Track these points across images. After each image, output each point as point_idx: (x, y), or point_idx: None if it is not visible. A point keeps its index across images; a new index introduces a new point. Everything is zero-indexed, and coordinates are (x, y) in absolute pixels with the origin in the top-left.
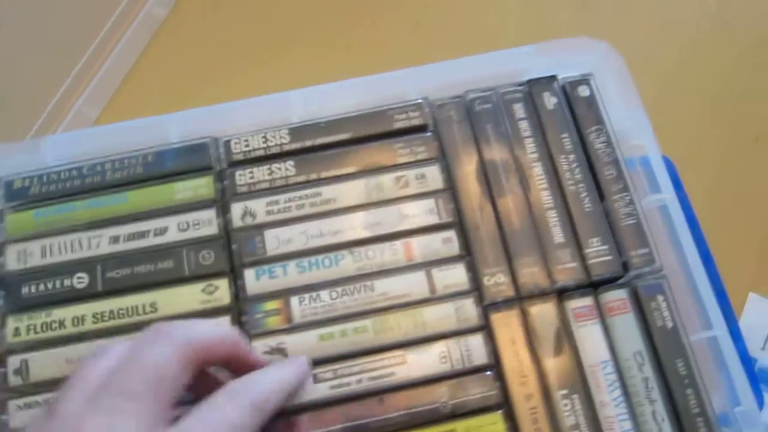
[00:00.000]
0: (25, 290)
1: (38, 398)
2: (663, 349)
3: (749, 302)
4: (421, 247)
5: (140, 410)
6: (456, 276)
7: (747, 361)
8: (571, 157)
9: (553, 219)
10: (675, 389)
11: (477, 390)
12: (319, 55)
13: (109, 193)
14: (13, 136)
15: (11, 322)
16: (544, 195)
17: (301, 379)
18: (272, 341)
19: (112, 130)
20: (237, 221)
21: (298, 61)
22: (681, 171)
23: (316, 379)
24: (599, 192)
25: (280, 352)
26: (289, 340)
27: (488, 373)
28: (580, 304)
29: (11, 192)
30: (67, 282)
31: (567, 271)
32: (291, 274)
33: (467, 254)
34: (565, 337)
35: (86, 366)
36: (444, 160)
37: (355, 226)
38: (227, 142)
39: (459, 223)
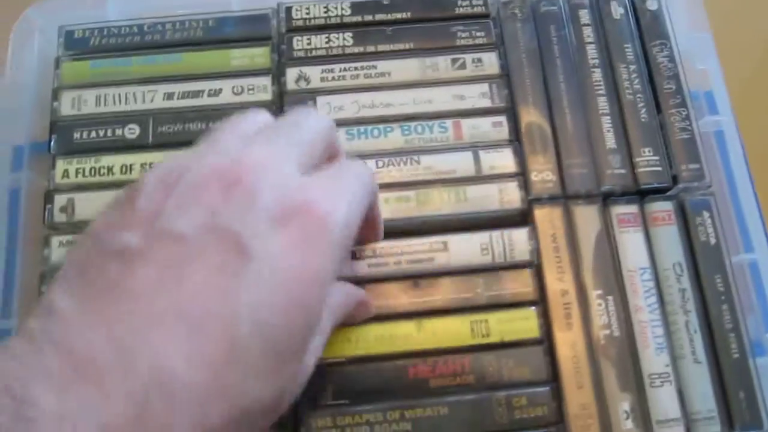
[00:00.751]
0: (76, 135)
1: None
2: (703, 263)
3: None
4: (470, 128)
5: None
6: (503, 159)
7: None
8: (632, 67)
9: (607, 124)
10: (711, 303)
11: (513, 285)
12: None
13: (166, 52)
14: None
15: (60, 164)
16: (600, 101)
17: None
18: None
19: None
20: (291, 84)
21: None
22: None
23: (355, 256)
24: (656, 104)
25: None
26: None
27: (527, 269)
28: (624, 210)
29: (71, 41)
30: (118, 131)
31: (615, 176)
32: (340, 140)
33: (516, 140)
34: (606, 240)
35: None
36: (503, 48)
37: (406, 101)
38: (288, 8)
39: (512, 110)
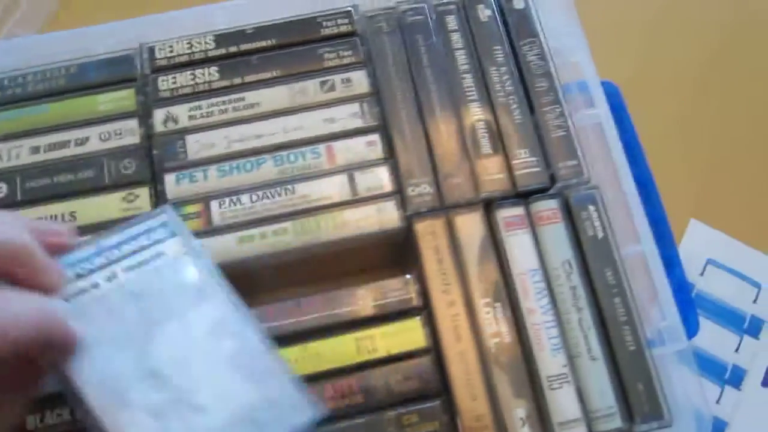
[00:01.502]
0: None
1: None
2: (592, 258)
3: (690, 228)
4: (343, 150)
5: None
6: (379, 178)
7: (684, 286)
8: (503, 69)
9: (481, 130)
10: (603, 297)
11: (396, 293)
12: None
13: (30, 105)
14: None
15: None
16: (472, 106)
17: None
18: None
19: (35, 41)
20: (159, 126)
21: None
22: (628, 97)
23: None
24: (530, 104)
25: None
26: (208, 244)
27: (408, 276)
28: (510, 213)
29: None
30: None
31: (494, 181)
32: (211, 178)
33: (391, 157)
34: (491, 246)
35: None
36: (371, 65)
37: (277, 130)
38: (151, 48)
39: (384, 128)
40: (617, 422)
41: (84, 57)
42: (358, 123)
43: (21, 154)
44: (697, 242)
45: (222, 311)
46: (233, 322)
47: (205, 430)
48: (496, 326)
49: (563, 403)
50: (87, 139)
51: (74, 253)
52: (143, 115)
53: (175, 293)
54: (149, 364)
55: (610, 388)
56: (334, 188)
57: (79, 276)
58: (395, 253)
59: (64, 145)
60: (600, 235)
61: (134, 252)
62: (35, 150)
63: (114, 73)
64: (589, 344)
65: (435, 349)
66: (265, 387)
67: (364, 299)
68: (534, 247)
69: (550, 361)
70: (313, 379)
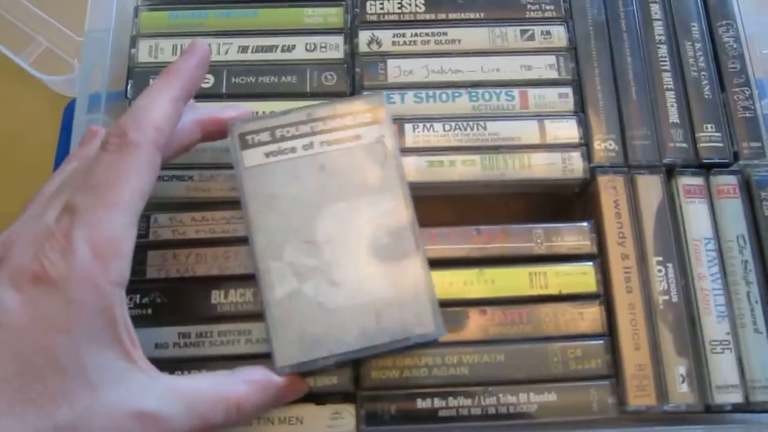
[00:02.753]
0: (152, 81)
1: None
2: (766, 236)
3: None
4: (536, 97)
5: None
6: (567, 129)
7: None
8: (698, 45)
9: (670, 99)
10: None
11: (573, 238)
12: None
13: (242, 7)
14: None
15: None
16: (665, 76)
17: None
18: None
19: None
20: (363, 47)
21: None
22: None
23: None
24: (720, 82)
25: None
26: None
27: (585, 224)
28: (690, 181)
29: None
30: None
31: (677, 149)
32: (408, 102)
33: (581, 111)
34: (667, 210)
35: None
36: (571, 21)
37: (475, 68)
38: None
39: (577, 83)
40: None
41: None
42: (554, 74)
43: (230, 50)
44: None
45: (393, 209)
46: (398, 222)
47: (331, 302)
48: (666, 285)
49: (723, 367)
50: (293, 46)
51: (288, 115)
52: (349, 33)
53: (358, 176)
54: (310, 231)
55: None
56: (524, 131)
57: (283, 138)
58: (565, 209)
59: (271, 48)
60: None
61: (337, 129)
62: (244, 49)
63: None
64: (755, 317)
65: (605, 296)
66: (401, 290)
67: (541, 237)
68: (710, 217)
69: (714, 326)
70: (485, 303)
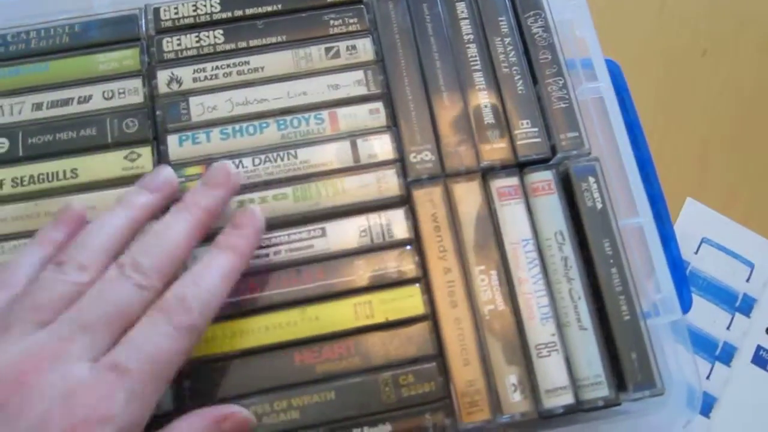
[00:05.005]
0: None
1: None
2: (590, 229)
3: (686, 207)
4: (347, 117)
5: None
6: (381, 146)
7: (679, 262)
8: (507, 40)
9: (484, 100)
10: (600, 267)
11: (394, 263)
12: None
13: (31, 62)
14: None
15: None
16: (476, 76)
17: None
18: None
19: None
20: (163, 88)
21: None
22: (629, 78)
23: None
24: (533, 76)
25: None
26: None
27: (408, 247)
28: (504, 183)
29: None
30: None
31: (495, 151)
32: (214, 141)
33: (394, 126)
34: (487, 215)
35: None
36: (376, 33)
37: (281, 95)
38: (156, 9)
39: (387, 96)
40: (605, 391)
41: (87, 15)
42: (362, 90)
43: (23, 110)
44: (693, 221)
45: None
46: None
47: None
48: (490, 294)
49: (551, 370)
50: (90, 97)
51: None
52: (147, 75)
53: None
54: None
55: (598, 358)
56: (335, 154)
57: None
58: None
59: (66, 102)
60: (599, 206)
61: None
62: (38, 107)
63: (118, 32)
64: (578, 314)
65: (432, 316)
66: None
67: (363, 269)
68: (527, 218)
69: (539, 330)
70: (311, 342)
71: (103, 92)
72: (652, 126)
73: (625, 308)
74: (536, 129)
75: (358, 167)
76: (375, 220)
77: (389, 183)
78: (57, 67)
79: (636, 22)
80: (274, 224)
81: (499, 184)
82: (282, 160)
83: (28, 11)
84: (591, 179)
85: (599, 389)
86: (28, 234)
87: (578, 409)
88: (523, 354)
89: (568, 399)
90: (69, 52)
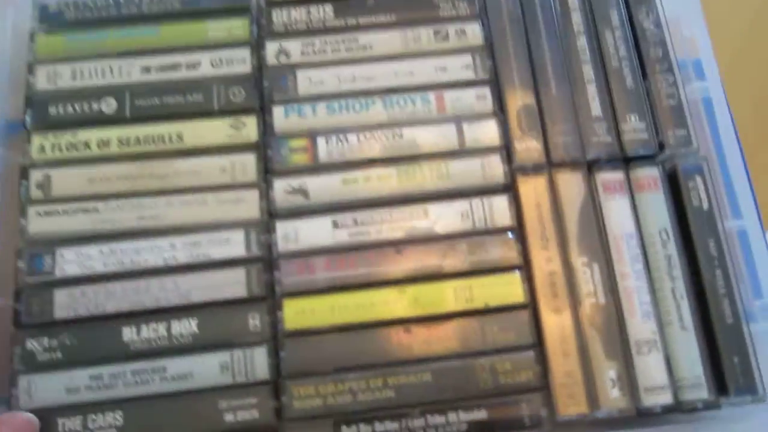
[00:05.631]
0: (52, 110)
1: (58, 207)
2: (696, 228)
3: None
4: (453, 100)
5: None
6: (487, 131)
7: None
8: (617, 33)
9: (592, 92)
10: (704, 268)
11: (496, 250)
12: None
13: (142, 24)
14: None
15: (36, 140)
16: (585, 68)
17: None
18: (295, 182)
19: None
20: (271, 59)
21: None
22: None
23: (337, 225)
24: (642, 70)
25: (302, 193)
26: (312, 182)
27: (509, 234)
28: (610, 176)
29: (46, 14)
30: (95, 105)
31: (601, 144)
32: (320, 115)
33: (500, 112)
34: (590, 207)
35: None
36: (486, 18)
37: (388, 74)
38: None
39: (495, 82)
40: (704, 393)
41: None
42: (470, 75)
43: (132, 72)
44: None
45: None
46: None
47: None
48: (591, 286)
49: (651, 368)
50: (198, 63)
51: None
52: (255, 45)
53: None
54: None
55: (699, 359)
56: (441, 137)
57: None
58: None
59: (175, 67)
60: (705, 206)
61: None
62: (146, 70)
63: (229, 1)
64: (680, 313)
65: (532, 304)
66: None
67: (464, 253)
68: (631, 213)
69: (640, 326)
70: (410, 322)
71: (211, 60)
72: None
73: (729, 311)
74: (644, 124)
75: (463, 151)
76: (478, 205)
77: (494, 169)
78: (167, 32)
79: (738, 21)
80: (378, 203)
81: (604, 177)
82: (387, 138)
83: None
84: (698, 178)
85: (699, 391)
86: (133, 194)
87: (677, 410)
88: (622, 349)
89: (666, 398)
90: (179, 18)
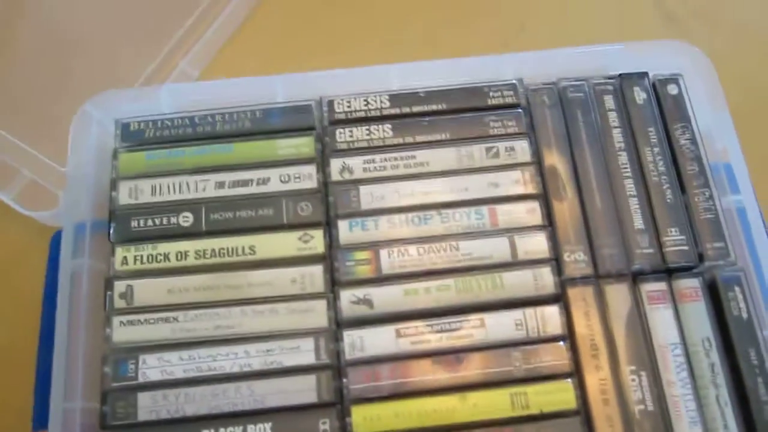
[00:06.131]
0: (134, 223)
1: (140, 317)
2: (737, 337)
3: None
4: (505, 214)
5: None
6: (537, 244)
7: None
8: (656, 149)
9: (634, 206)
10: (747, 377)
11: (549, 358)
12: (427, 38)
13: (217, 143)
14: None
15: (119, 252)
16: (627, 183)
17: None
18: (360, 292)
19: (223, 84)
20: (335, 175)
21: (406, 38)
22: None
23: (400, 334)
24: (681, 185)
25: (367, 303)
26: (376, 293)
27: (561, 343)
28: (654, 288)
29: (127, 133)
30: (173, 219)
31: (644, 256)
32: (382, 228)
33: (549, 225)
34: (637, 317)
35: None
36: (533, 135)
37: (444, 189)
38: (330, 102)
39: (543, 196)
40: None
41: (267, 104)
42: (520, 190)
43: (207, 187)
44: None
45: None
46: None
47: None
48: (641, 394)
49: None
50: (268, 179)
51: None
52: (321, 162)
53: None
54: None
55: None
56: (495, 249)
57: None
58: None
59: (246, 183)
60: (744, 316)
61: None
62: (220, 185)
63: (296, 121)
64: (725, 420)
65: (584, 411)
66: None
67: (519, 360)
68: (675, 322)
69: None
70: (470, 428)
71: (280, 176)
72: None
73: None
74: (684, 237)
75: (515, 263)
76: (531, 314)
77: (545, 280)
78: (240, 149)
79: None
80: (437, 312)
81: (648, 287)
82: (445, 251)
83: (213, 96)
84: (737, 288)
85: None
86: (210, 304)
87: None
88: None
89: None
90: (251, 136)
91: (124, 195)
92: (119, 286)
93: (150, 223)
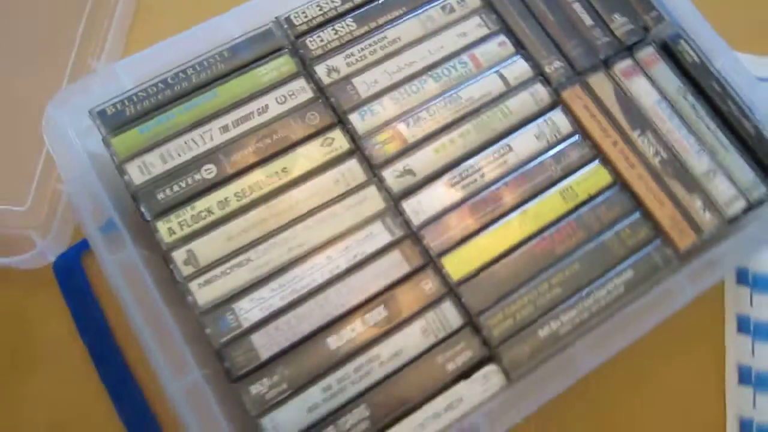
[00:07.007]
0: (160, 195)
1: (215, 272)
2: (699, 77)
3: None
4: (483, 54)
5: None
6: (520, 68)
7: None
8: None
9: (579, 9)
10: (720, 103)
11: (574, 152)
12: None
13: (200, 94)
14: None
15: (162, 226)
16: None
17: None
18: (399, 166)
19: (175, 41)
20: (325, 79)
21: None
22: None
23: (448, 185)
24: None
25: (409, 173)
26: (412, 161)
27: (577, 136)
28: (623, 65)
29: (106, 119)
30: (197, 176)
31: (605, 44)
32: (388, 107)
33: (522, 48)
34: (621, 92)
35: None
36: None
37: (424, 54)
38: (288, 19)
39: (506, 28)
40: (763, 189)
41: (227, 42)
42: (485, 30)
43: (213, 135)
44: None
45: None
46: None
47: None
48: (653, 148)
49: (721, 188)
50: (267, 106)
51: None
52: (306, 73)
53: None
54: None
55: (746, 166)
56: (490, 86)
57: None
58: None
59: (248, 117)
60: (697, 60)
61: None
62: (225, 129)
63: (264, 47)
64: (718, 138)
65: (620, 180)
66: None
67: (553, 165)
68: (650, 85)
69: (698, 162)
70: (541, 232)
71: (276, 98)
72: None
73: (747, 124)
74: (626, 18)
75: (511, 90)
76: (543, 125)
77: (540, 94)
78: (225, 91)
79: None
80: (469, 155)
81: (619, 67)
82: (451, 103)
83: (173, 58)
84: (682, 41)
85: (758, 188)
86: (273, 234)
87: (750, 209)
88: (695, 182)
89: (741, 204)
90: (229, 76)
91: (136, 174)
92: (179, 255)
93: (176, 188)
